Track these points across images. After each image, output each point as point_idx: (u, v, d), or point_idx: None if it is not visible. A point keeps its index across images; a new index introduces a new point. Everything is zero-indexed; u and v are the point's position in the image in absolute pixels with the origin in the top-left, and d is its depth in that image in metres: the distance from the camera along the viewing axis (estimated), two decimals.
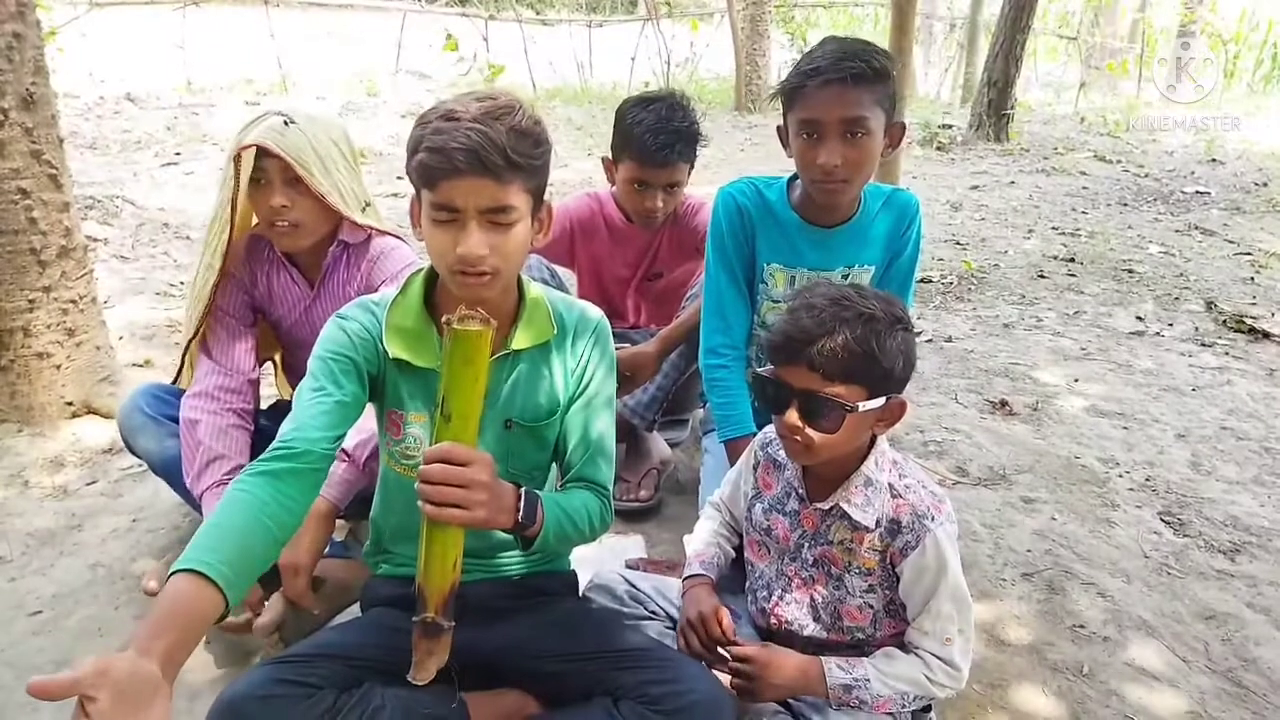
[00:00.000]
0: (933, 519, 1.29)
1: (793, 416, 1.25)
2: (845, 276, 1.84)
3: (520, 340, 1.35)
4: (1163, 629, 1.86)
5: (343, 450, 1.64)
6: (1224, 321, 3.85)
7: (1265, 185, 6.78)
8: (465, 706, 1.31)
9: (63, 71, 5.39)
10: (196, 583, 1.02)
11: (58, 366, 2.52)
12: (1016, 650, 1.77)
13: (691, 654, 1.40)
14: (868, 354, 1.22)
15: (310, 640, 1.37)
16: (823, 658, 1.34)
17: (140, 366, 2.88)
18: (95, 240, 3.96)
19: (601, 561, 1.82)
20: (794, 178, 1.85)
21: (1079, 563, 2.08)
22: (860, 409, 1.24)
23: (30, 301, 2.43)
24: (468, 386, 1.14)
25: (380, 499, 1.48)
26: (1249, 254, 4.98)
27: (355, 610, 1.59)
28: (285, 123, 1.70)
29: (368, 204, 1.86)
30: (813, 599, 1.40)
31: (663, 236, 2.42)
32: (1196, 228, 5.55)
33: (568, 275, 2.56)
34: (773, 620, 1.44)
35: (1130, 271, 4.59)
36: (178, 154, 5.95)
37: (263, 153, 1.68)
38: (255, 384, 1.90)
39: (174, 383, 1.99)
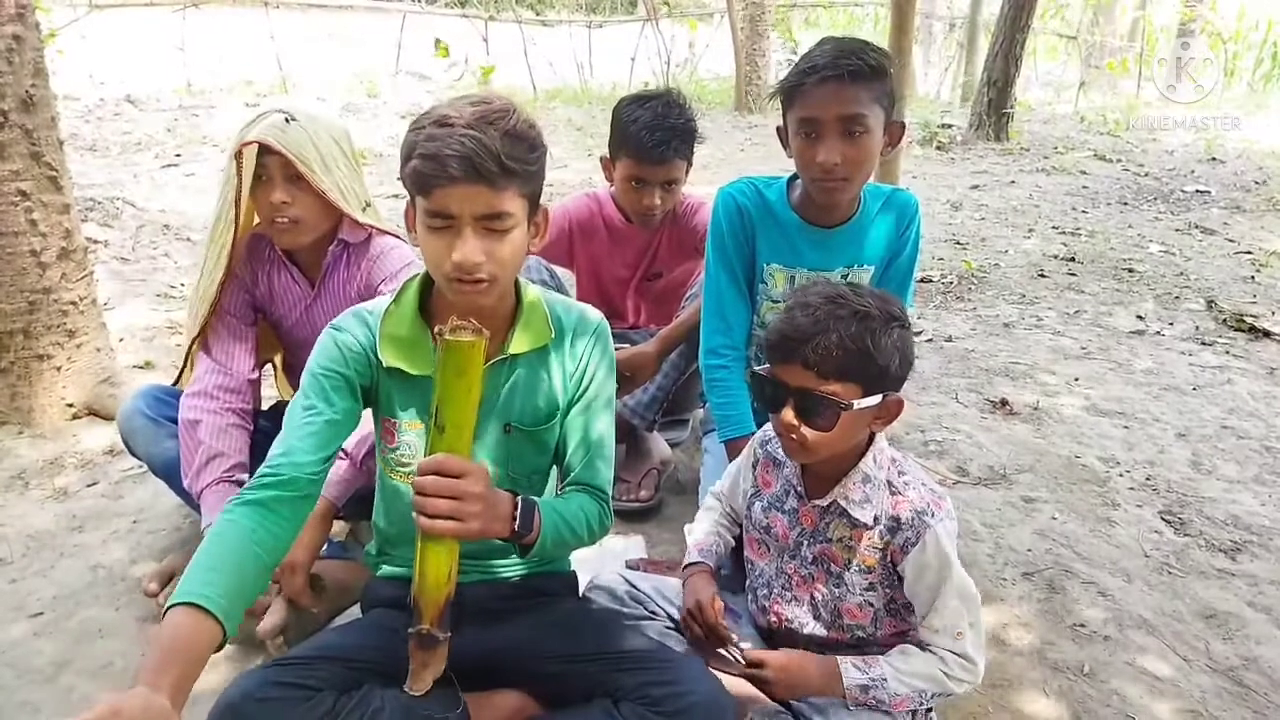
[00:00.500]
0: (933, 515, 1.29)
1: (789, 415, 1.25)
2: (845, 276, 1.84)
3: (518, 344, 1.35)
4: (1163, 628, 1.86)
5: (341, 449, 1.64)
6: (1224, 320, 3.85)
7: (1265, 184, 6.77)
8: (467, 711, 1.30)
9: (63, 73, 5.40)
10: (195, 615, 1.05)
11: (58, 368, 2.52)
12: (1017, 650, 1.77)
13: (694, 641, 1.39)
14: (862, 352, 1.22)
15: (310, 642, 1.37)
16: (838, 658, 1.33)
17: (140, 368, 2.88)
18: (95, 242, 3.96)
19: (602, 562, 1.82)
20: (794, 178, 1.85)
21: (1079, 562, 2.07)
22: (856, 407, 1.24)
23: (30, 303, 2.44)
24: (461, 397, 1.14)
25: (379, 504, 1.48)
26: (1249, 253, 4.98)
27: (355, 611, 1.59)
28: (286, 120, 1.70)
29: (368, 204, 1.86)
30: (813, 597, 1.39)
31: (662, 236, 2.42)
32: (1197, 227, 5.55)
33: (567, 276, 2.56)
34: (773, 619, 1.44)
35: (1130, 270, 4.58)
36: (178, 156, 5.95)
37: (264, 149, 1.69)
38: (255, 384, 1.90)
39: (175, 384, 1.99)
